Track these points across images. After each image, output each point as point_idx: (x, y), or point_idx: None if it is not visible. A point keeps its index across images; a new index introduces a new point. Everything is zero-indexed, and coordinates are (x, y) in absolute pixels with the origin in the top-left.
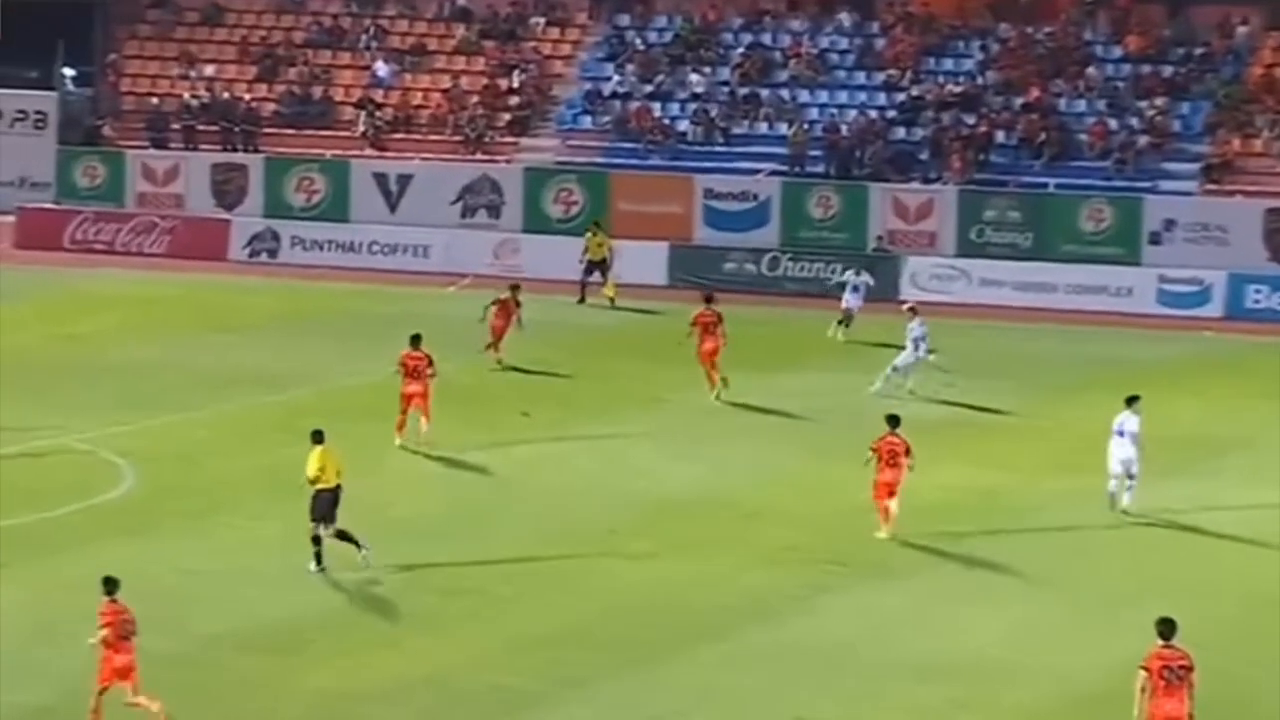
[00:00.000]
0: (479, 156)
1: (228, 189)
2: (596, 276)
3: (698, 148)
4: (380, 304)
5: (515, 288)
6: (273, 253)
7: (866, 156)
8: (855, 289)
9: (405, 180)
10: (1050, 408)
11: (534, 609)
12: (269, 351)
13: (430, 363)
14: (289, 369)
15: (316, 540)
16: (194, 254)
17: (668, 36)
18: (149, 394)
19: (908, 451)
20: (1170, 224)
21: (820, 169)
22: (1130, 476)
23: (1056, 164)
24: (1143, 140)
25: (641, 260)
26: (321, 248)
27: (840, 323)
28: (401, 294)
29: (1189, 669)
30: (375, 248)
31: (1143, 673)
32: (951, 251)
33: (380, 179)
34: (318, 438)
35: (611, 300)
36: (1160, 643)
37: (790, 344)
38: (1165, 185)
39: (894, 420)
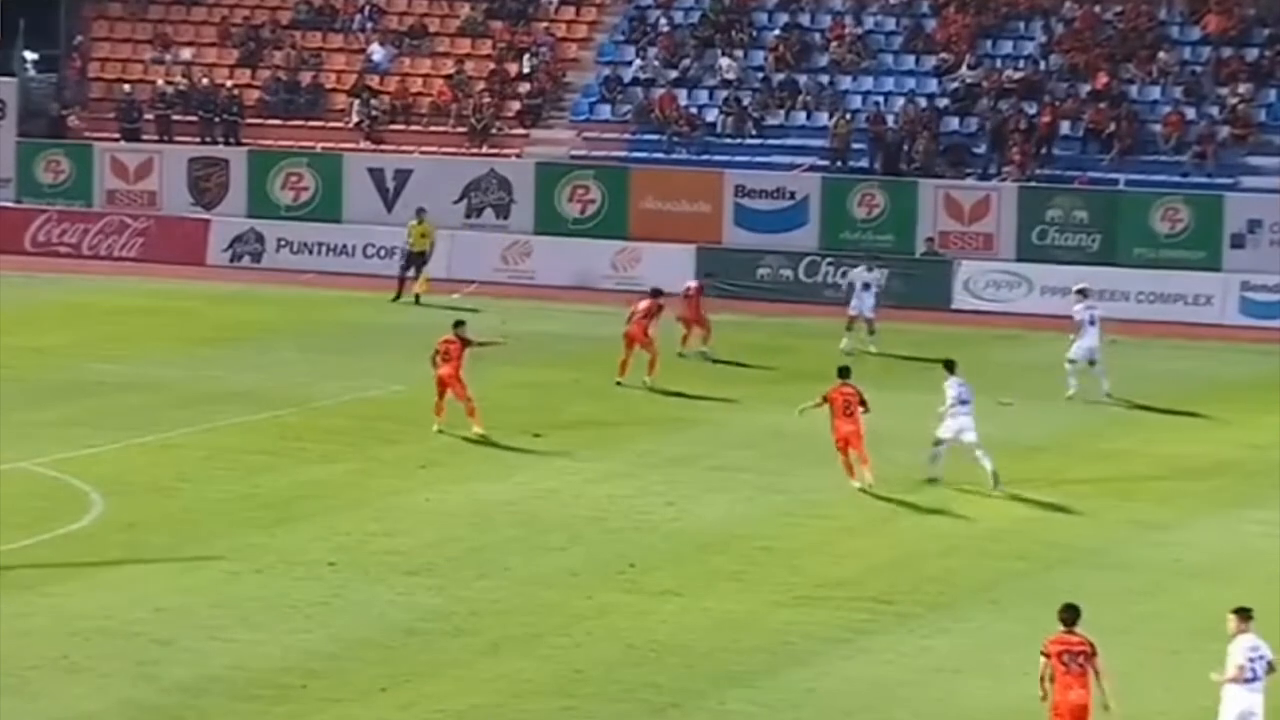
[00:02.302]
0: (485, 150)
1: (207, 186)
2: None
3: (728, 140)
4: (376, 313)
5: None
6: (256, 256)
7: (916, 150)
8: (867, 287)
9: (404, 176)
10: (1119, 430)
11: (546, 650)
12: (252, 367)
13: (465, 344)
14: (274, 386)
15: None
16: (169, 258)
17: (695, 16)
18: (119, 414)
19: (862, 401)
20: (1255, 225)
21: (864, 164)
22: (978, 447)
23: (1127, 158)
24: (1224, 132)
25: (666, 264)
26: (311, 251)
27: (849, 329)
28: (399, 302)
29: (1090, 655)
30: (370, 251)
31: (1043, 659)
32: (1010, 255)
33: (376, 175)
34: None
35: (417, 297)
36: (1062, 629)
37: (831, 358)
38: (1249, 182)
39: (844, 371)
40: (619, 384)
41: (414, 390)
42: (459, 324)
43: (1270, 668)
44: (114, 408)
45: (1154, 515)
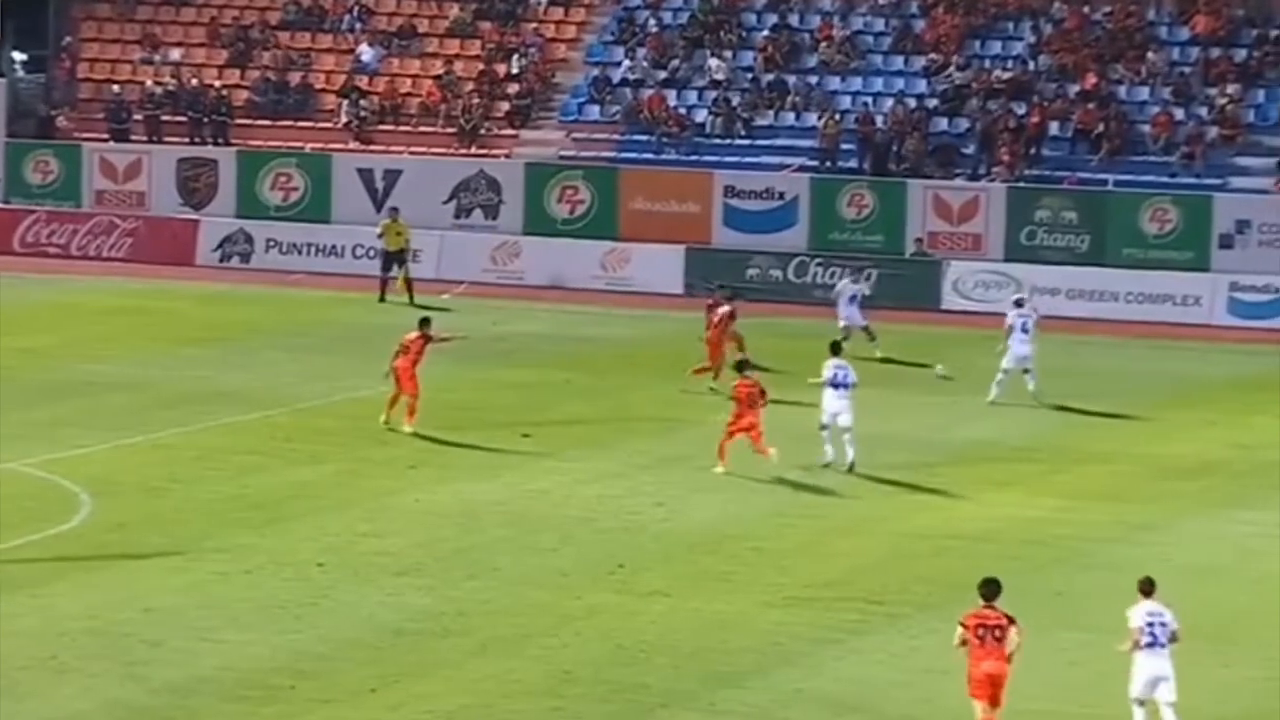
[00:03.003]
0: (475, 150)
1: (196, 186)
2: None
3: (717, 141)
4: (365, 314)
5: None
6: (245, 257)
7: (905, 150)
8: (853, 299)
9: (393, 176)
10: (1107, 431)
11: (535, 651)
12: (241, 367)
13: (427, 341)
14: (263, 386)
15: None
16: (158, 258)
17: (684, 17)
18: (108, 415)
19: (763, 394)
20: (1243, 226)
21: (853, 164)
22: (846, 431)
23: (1116, 159)
24: (1212, 132)
25: (655, 265)
26: (300, 251)
27: (844, 339)
28: (388, 303)
29: (1005, 629)
30: (359, 251)
31: (961, 629)
32: (999, 256)
33: (365, 175)
34: None
35: (411, 297)
36: (982, 603)
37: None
38: (1237, 182)
39: (742, 365)
40: (712, 389)
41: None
42: (424, 321)
43: (1174, 636)
44: (103, 408)
45: (1142, 515)
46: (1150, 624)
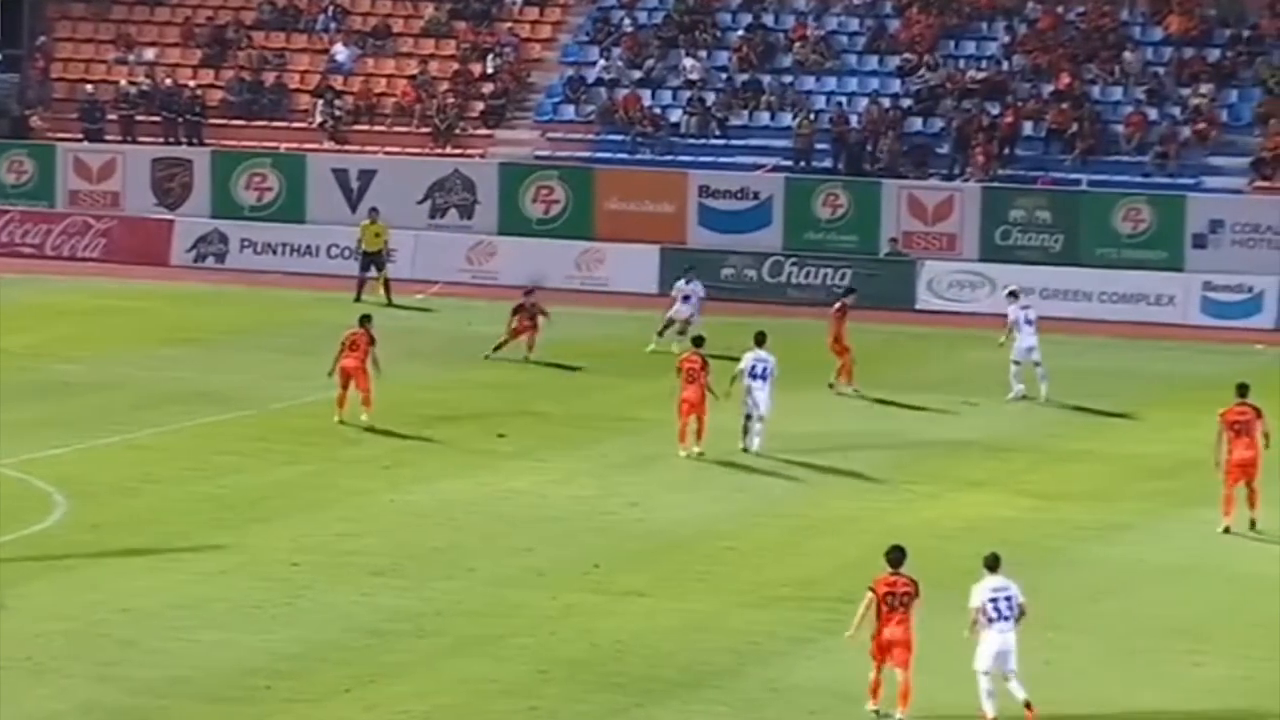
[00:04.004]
0: (450, 150)
1: (170, 186)
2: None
3: (692, 140)
4: (339, 313)
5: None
6: (220, 257)
7: (879, 150)
8: (687, 299)
9: (368, 176)
10: (1081, 430)
11: (509, 652)
12: (216, 367)
13: (371, 340)
14: (238, 386)
15: None
16: (133, 258)
17: (658, 17)
18: (83, 415)
19: (705, 367)
20: (1216, 225)
21: (828, 164)
22: (759, 420)
23: (1090, 159)
24: (1186, 132)
25: (630, 265)
26: (274, 251)
27: (679, 332)
28: (363, 303)
29: (912, 596)
30: (334, 251)
31: (869, 594)
32: (974, 256)
33: (340, 175)
34: None
35: (389, 299)
36: (889, 570)
37: (795, 360)
38: (1211, 182)
39: (698, 341)
40: (831, 385)
41: (378, 391)
42: (365, 319)
43: (1021, 610)
44: (78, 408)
45: (1117, 515)
46: (994, 600)
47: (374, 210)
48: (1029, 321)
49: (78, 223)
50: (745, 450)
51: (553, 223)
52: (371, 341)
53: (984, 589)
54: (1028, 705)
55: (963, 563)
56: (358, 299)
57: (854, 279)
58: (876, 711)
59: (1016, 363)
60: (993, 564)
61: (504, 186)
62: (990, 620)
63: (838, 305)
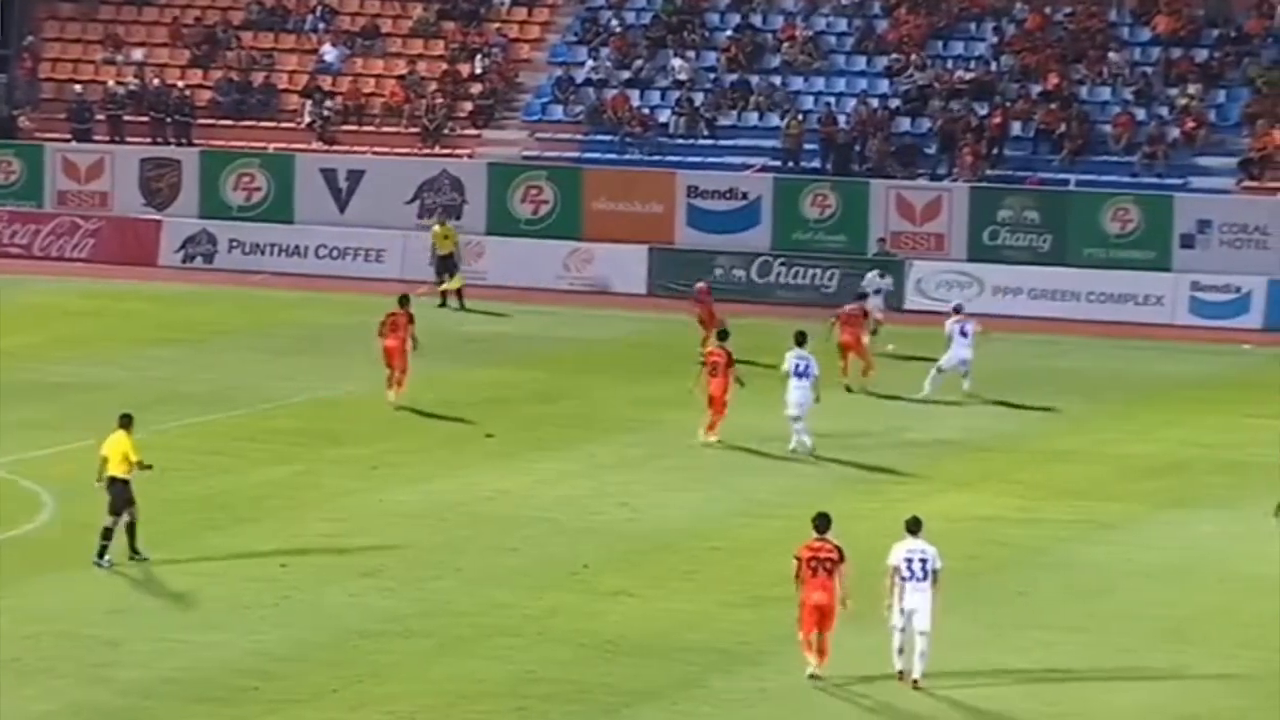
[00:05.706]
0: (438, 150)
1: (159, 186)
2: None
3: (680, 141)
4: (328, 314)
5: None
6: (208, 257)
7: (867, 150)
8: (878, 292)
9: (356, 177)
10: (1069, 430)
11: (498, 652)
12: (204, 368)
13: (410, 320)
14: (227, 387)
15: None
16: (121, 259)
17: (647, 17)
18: (70, 415)
19: (730, 361)
20: (1204, 225)
21: (816, 164)
22: (793, 420)
23: (1078, 159)
24: (1173, 132)
25: (619, 265)
26: (263, 251)
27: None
28: (352, 303)
29: (836, 561)
30: (323, 251)
31: (795, 561)
32: (962, 255)
33: (328, 175)
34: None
35: (443, 300)
36: (815, 535)
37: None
38: (1198, 182)
39: (723, 334)
40: (848, 389)
41: (367, 391)
42: (404, 299)
43: (935, 573)
44: (66, 409)
45: (1105, 515)
46: (909, 559)
47: (444, 212)
48: (964, 333)
49: (66, 223)
50: (793, 452)
51: (541, 223)
52: (410, 320)
53: (901, 549)
54: (915, 684)
55: (952, 563)
56: (442, 304)
57: (842, 279)
58: (813, 676)
59: (941, 370)
60: (914, 527)
61: (492, 187)
62: (904, 579)
63: (857, 307)
